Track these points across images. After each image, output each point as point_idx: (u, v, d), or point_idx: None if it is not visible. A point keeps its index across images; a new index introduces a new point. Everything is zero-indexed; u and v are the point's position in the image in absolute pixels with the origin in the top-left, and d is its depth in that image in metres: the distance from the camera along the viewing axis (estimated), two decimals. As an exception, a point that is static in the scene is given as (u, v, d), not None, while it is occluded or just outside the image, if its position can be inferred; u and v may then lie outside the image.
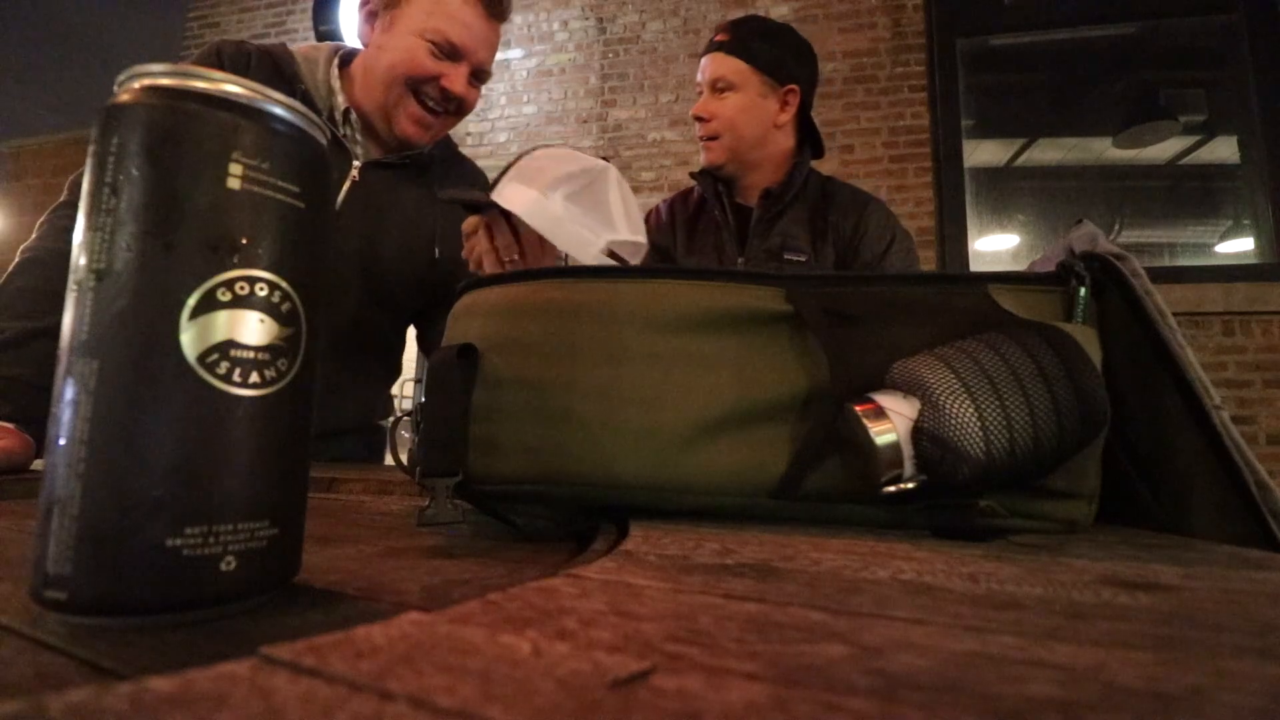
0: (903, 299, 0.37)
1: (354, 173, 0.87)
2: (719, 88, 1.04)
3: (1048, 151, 3.04)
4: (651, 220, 1.17)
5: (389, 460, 1.11)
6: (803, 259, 1.04)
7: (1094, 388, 0.31)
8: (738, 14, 2.96)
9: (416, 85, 0.83)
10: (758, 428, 0.35)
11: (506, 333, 0.38)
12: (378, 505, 0.46)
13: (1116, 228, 2.88)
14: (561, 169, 0.62)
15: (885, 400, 0.32)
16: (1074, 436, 0.31)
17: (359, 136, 0.88)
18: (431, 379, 0.36)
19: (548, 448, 0.35)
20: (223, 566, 0.19)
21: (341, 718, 0.10)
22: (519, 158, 0.65)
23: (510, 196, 0.62)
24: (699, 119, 1.06)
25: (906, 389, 0.32)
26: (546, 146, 0.66)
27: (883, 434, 0.31)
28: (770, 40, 1.05)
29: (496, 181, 0.64)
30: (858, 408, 0.32)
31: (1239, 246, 2.65)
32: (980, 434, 0.30)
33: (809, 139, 1.11)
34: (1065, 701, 0.11)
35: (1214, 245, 2.81)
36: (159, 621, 0.18)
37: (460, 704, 0.10)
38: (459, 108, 0.87)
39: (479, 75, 0.87)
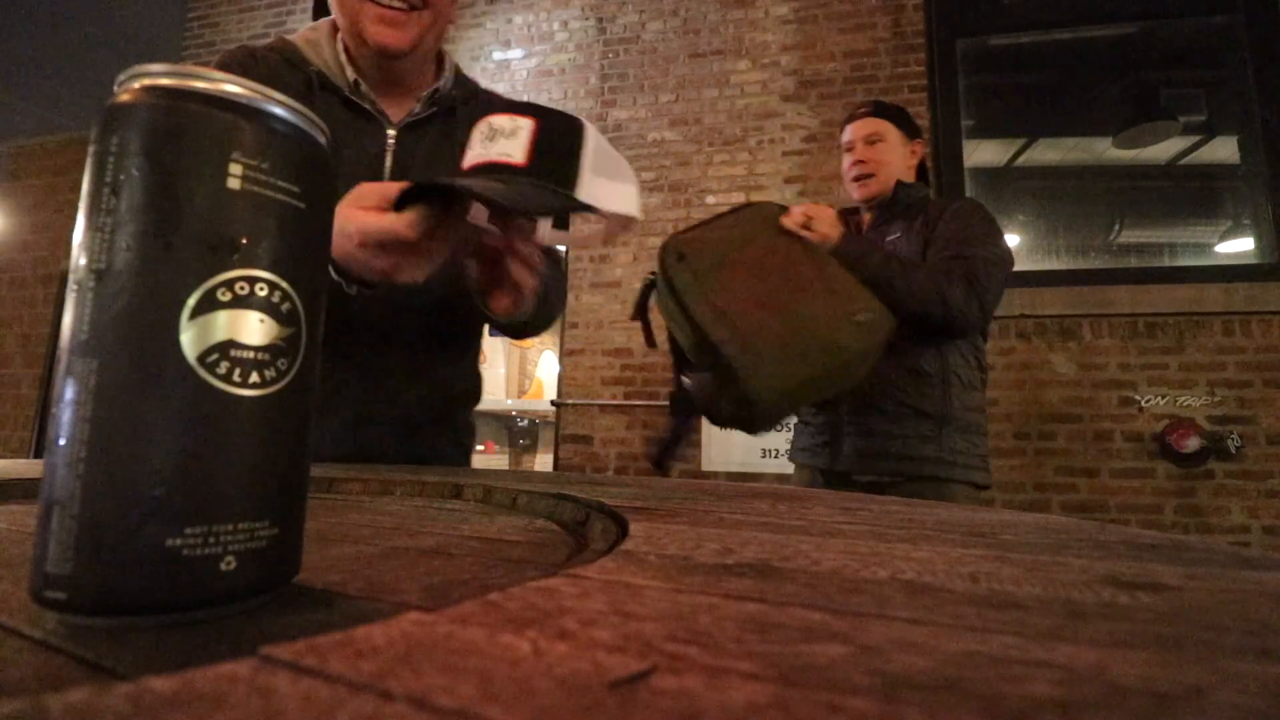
0: None
1: (390, 142, 0.84)
2: (872, 140, 1.43)
3: (1048, 152, 3.04)
4: None
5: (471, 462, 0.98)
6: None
7: None
8: (737, 15, 2.98)
9: None
10: None
11: None
12: (378, 505, 0.46)
13: (1116, 228, 2.89)
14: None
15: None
16: None
17: (380, 105, 0.85)
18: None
19: None
20: (223, 566, 0.19)
21: (341, 718, 0.10)
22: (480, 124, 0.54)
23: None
24: (860, 162, 1.45)
25: None
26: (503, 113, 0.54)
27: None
28: (897, 110, 1.48)
29: (495, 169, 0.53)
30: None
31: (1239, 246, 2.65)
32: None
33: (923, 180, 1.52)
34: (1065, 701, 0.11)
35: (1214, 245, 2.80)
36: (159, 621, 0.18)
37: (460, 704, 0.10)
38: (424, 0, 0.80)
39: None
